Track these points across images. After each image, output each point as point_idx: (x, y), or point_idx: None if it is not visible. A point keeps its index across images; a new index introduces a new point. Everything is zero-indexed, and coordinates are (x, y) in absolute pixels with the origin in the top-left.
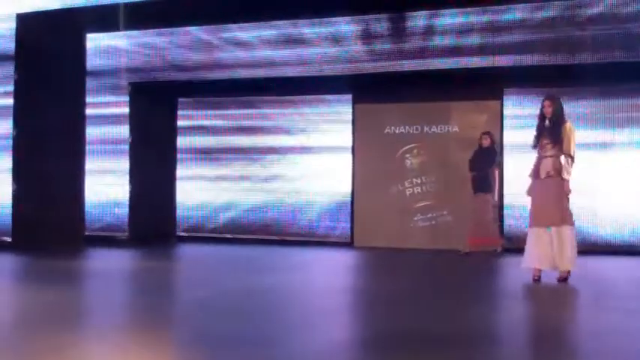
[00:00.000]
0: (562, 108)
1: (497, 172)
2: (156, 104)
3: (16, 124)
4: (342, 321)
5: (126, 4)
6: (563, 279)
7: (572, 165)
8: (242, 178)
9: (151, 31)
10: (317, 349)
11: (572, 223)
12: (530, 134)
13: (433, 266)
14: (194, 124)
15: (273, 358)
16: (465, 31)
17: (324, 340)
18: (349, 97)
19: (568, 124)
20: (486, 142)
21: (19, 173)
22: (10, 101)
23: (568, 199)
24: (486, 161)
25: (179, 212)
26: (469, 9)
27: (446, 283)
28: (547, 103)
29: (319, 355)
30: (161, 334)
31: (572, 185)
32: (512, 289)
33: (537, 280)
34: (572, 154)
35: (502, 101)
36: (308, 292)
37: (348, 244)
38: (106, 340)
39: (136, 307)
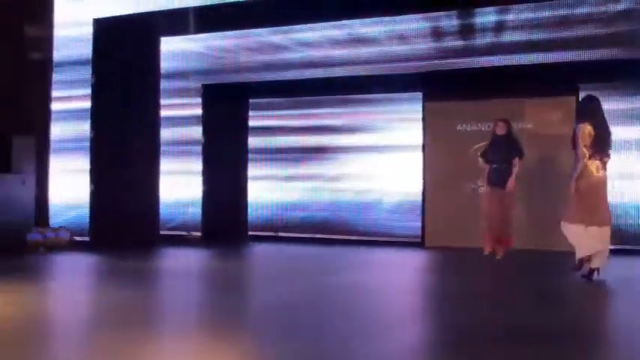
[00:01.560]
0: None
1: (519, 165)
2: (227, 105)
3: (94, 126)
4: (429, 319)
5: (197, 8)
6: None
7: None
8: (312, 177)
9: (222, 33)
10: (407, 346)
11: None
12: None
13: (506, 265)
14: (265, 125)
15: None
16: (538, 25)
17: (413, 338)
18: (419, 95)
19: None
20: (501, 130)
21: (96, 174)
22: (87, 104)
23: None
24: (508, 151)
25: (250, 211)
26: (542, 3)
27: (521, 282)
28: None
29: (412, 352)
30: (245, 333)
31: None
32: (585, 286)
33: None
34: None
35: (577, 97)
36: (386, 291)
37: (418, 243)
38: (188, 339)
39: (215, 307)
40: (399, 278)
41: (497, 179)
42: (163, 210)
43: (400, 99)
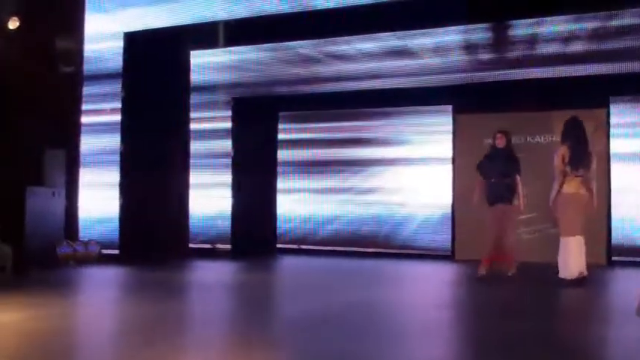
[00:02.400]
0: None
1: (519, 179)
2: (257, 118)
3: (124, 139)
4: (456, 333)
5: (227, 22)
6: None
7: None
8: (342, 190)
9: (252, 46)
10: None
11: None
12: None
13: (535, 279)
14: (294, 138)
15: None
16: (568, 38)
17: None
18: (449, 107)
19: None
20: (501, 143)
21: (126, 187)
22: (118, 117)
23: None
24: (508, 166)
25: (280, 224)
26: (572, 16)
27: (556, 297)
28: None
29: None
30: (278, 348)
31: None
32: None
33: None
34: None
35: (608, 109)
36: (414, 305)
37: (448, 257)
38: (216, 353)
39: (244, 321)
40: (429, 292)
41: (497, 195)
42: (193, 223)
43: (430, 112)
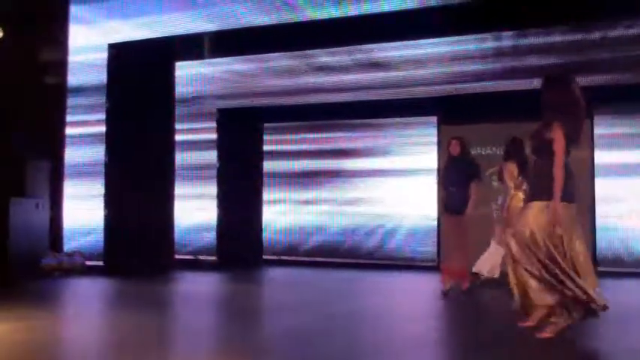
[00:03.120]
0: None
1: (476, 188)
2: (242, 130)
3: (108, 151)
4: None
5: (212, 33)
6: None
7: None
8: (327, 201)
9: (236, 58)
10: None
11: None
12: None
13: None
14: (279, 149)
15: None
16: (551, 50)
17: None
18: (434, 119)
19: None
20: (455, 150)
21: (111, 199)
22: (102, 129)
23: None
24: (463, 175)
25: (265, 236)
26: (556, 28)
27: None
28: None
29: None
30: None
31: None
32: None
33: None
34: None
35: (592, 121)
36: (398, 317)
37: (434, 267)
38: None
39: (227, 333)
40: (414, 303)
41: (452, 205)
42: (178, 234)
43: (415, 123)
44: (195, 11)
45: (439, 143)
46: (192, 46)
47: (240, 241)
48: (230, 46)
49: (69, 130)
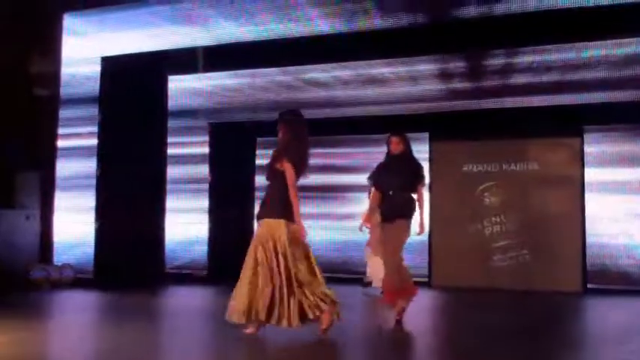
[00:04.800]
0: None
1: (423, 191)
2: (235, 143)
3: (100, 163)
4: None
5: (205, 47)
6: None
7: None
8: (320, 216)
9: (230, 72)
10: None
11: None
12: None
13: (515, 306)
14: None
15: None
16: (543, 68)
17: None
18: (426, 135)
19: None
20: (396, 148)
21: (102, 212)
22: (94, 141)
23: None
24: (409, 176)
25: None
26: (547, 46)
27: (534, 324)
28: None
29: None
30: None
31: None
32: (599, 330)
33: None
34: None
35: (582, 138)
36: (402, 332)
37: (425, 283)
38: None
39: (217, 347)
40: (407, 319)
41: (394, 211)
42: (169, 248)
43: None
44: (189, 25)
45: (431, 159)
46: (185, 60)
47: (231, 255)
48: (223, 60)
49: (61, 143)
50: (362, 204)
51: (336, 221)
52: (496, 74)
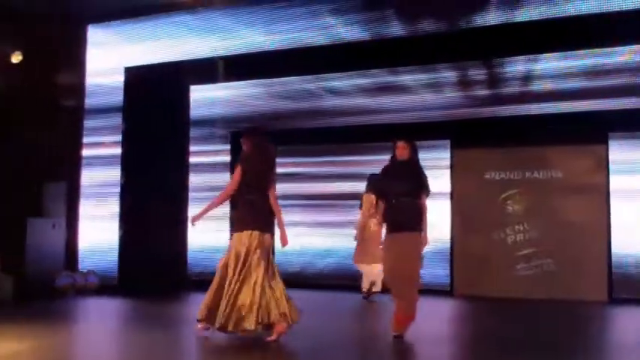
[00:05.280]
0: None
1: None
2: None
3: (124, 171)
4: None
5: (226, 57)
6: None
7: None
8: (339, 224)
9: (250, 82)
10: None
11: None
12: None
13: (538, 315)
14: (291, 172)
15: None
16: (566, 74)
17: None
18: (447, 142)
19: None
20: (403, 153)
21: (126, 220)
22: (118, 150)
23: None
24: (415, 184)
25: (278, 258)
26: (570, 52)
27: (553, 335)
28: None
29: None
30: None
31: None
32: (624, 341)
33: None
34: None
35: (607, 145)
36: (423, 341)
37: (447, 292)
38: None
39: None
40: (430, 327)
41: (405, 220)
42: (192, 255)
43: (428, 146)
44: (210, 35)
45: (452, 166)
46: (206, 70)
47: None
48: (243, 70)
49: (85, 152)
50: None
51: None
52: (519, 80)
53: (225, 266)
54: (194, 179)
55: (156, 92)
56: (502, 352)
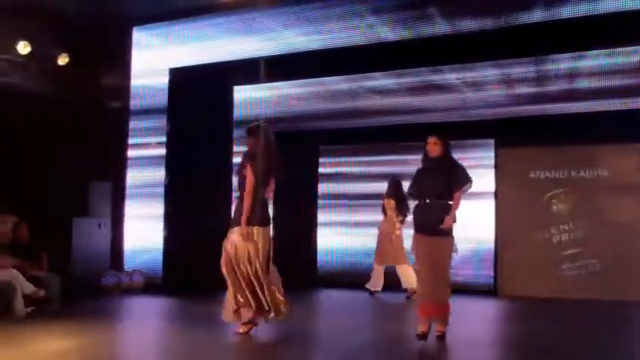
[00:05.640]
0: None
1: (459, 196)
2: (298, 152)
3: (168, 172)
4: None
5: (269, 58)
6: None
7: None
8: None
9: (293, 82)
10: None
11: None
12: None
13: (582, 316)
14: (335, 171)
15: None
16: (612, 72)
17: None
18: (492, 141)
19: None
20: (434, 150)
21: (170, 219)
22: (162, 151)
23: None
24: (445, 182)
25: (320, 258)
26: (616, 49)
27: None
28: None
29: None
30: None
31: None
32: None
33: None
34: None
35: None
36: (468, 342)
37: (491, 292)
38: None
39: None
40: (472, 328)
41: (431, 222)
42: None
43: (473, 145)
44: (253, 36)
45: (497, 166)
46: (249, 71)
47: (293, 263)
48: (286, 70)
49: (130, 153)
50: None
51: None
52: (564, 77)
53: (247, 262)
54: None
55: (200, 93)
56: (544, 353)
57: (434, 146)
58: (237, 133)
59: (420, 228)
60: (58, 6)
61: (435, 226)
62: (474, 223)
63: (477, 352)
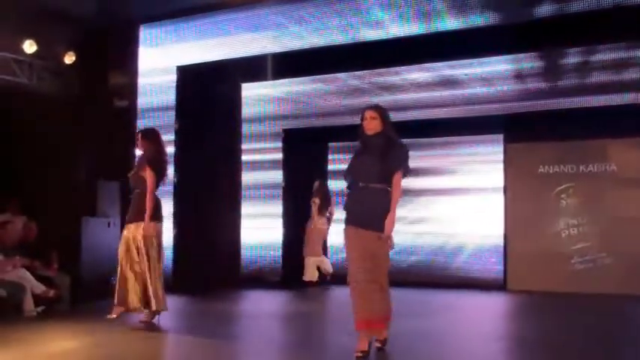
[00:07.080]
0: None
1: (399, 185)
2: (308, 149)
3: (177, 170)
4: None
5: (276, 55)
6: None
7: None
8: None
9: (301, 78)
10: None
11: None
12: None
13: (593, 310)
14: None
15: None
16: (621, 65)
17: None
18: (500, 136)
19: None
20: (371, 126)
21: (179, 218)
22: (171, 149)
23: None
24: (385, 163)
25: (329, 255)
26: (625, 44)
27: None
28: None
29: None
30: None
31: None
32: None
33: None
34: None
35: None
36: (474, 336)
37: (500, 287)
38: None
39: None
40: (482, 323)
41: (365, 210)
42: (244, 253)
43: (481, 141)
44: (260, 33)
45: (505, 161)
46: (257, 68)
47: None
48: (294, 66)
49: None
50: (435, 207)
51: (408, 225)
52: (573, 72)
53: (157, 253)
54: (246, 177)
55: (208, 90)
56: (554, 348)
57: (372, 121)
58: (245, 130)
59: (351, 218)
60: (65, 4)
61: (369, 216)
62: (484, 217)
63: (487, 346)
